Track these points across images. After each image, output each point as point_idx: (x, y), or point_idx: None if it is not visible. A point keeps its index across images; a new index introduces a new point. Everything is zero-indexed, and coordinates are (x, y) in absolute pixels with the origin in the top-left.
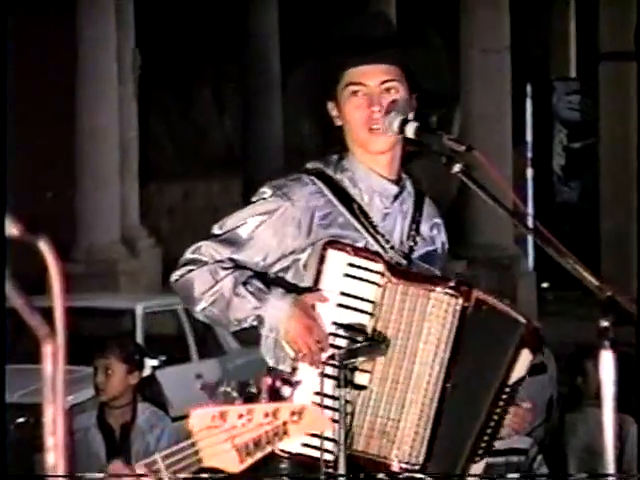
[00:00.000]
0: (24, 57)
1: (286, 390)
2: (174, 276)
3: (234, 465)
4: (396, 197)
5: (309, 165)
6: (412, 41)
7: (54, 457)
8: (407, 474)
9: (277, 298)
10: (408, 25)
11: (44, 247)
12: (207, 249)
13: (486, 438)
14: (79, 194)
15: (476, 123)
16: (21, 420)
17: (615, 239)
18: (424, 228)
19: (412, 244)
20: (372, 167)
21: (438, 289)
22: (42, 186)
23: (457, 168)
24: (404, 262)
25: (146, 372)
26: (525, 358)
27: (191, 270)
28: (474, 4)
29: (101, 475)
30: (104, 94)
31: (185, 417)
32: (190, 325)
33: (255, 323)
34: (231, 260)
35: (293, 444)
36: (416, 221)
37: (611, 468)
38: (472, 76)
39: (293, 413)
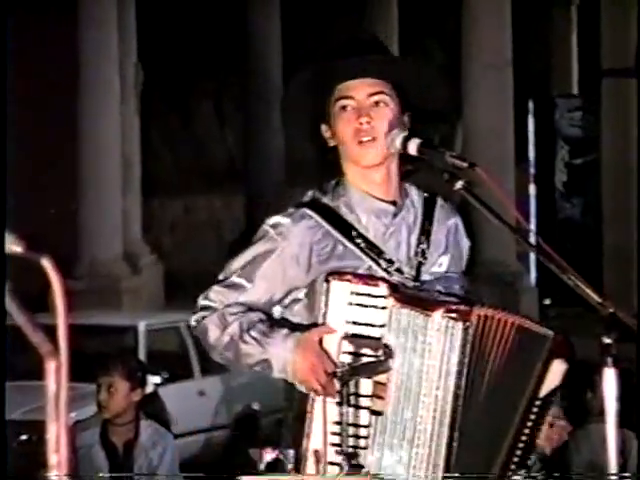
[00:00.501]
0: (25, 76)
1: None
2: (193, 322)
3: None
4: (395, 214)
5: (306, 197)
6: (403, 56)
7: (57, 475)
8: None
9: (281, 340)
10: (410, 41)
11: (47, 265)
12: (216, 295)
13: (519, 453)
14: (82, 209)
15: (478, 139)
16: (24, 437)
17: (617, 255)
18: (438, 236)
19: (421, 259)
20: (367, 190)
21: (435, 314)
22: (45, 201)
23: (459, 185)
24: (410, 283)
25: (149, 389)
26: (557, 368)
27: (204, 317)
28: (476, 19)
29: None
30: (107, 109)
31: (188, 434)
32: (193, 342)
33: (262, 369)
34: (239, 304)
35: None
36: (425, 231)
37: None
38: (474, 92)
39: None
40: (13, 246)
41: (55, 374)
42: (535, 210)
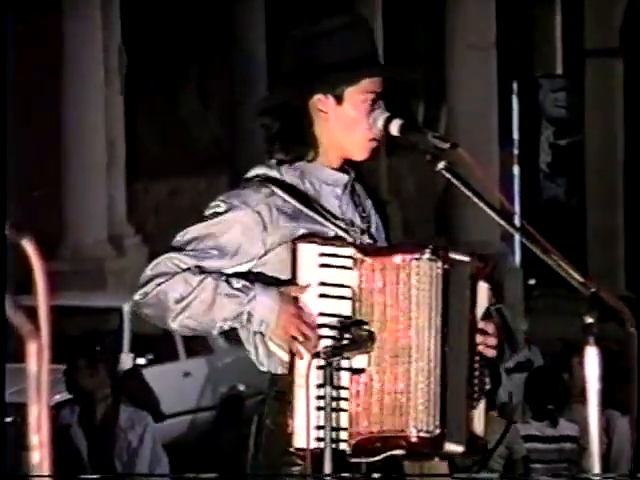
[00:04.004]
0: (7, 55)
1: None
2: (138, 295)
3: None
4: (345, 185)
5: (251, 173)
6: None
7: (39, 455)
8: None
9: (262, 291)
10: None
11: (28, 246)
12: (169, 262)
13: (476, 381)
14: (66, 192)
15: (462, 120)
16: (8, 420)
17: (602, 235)
18: (367, 207)
19: (367, 225)
20: (323, 162)
21: (416, 256)
22: (28, 184)
23: (441, 165)
24: (371, 242)
25: (126, 365)
26: (482, 290)
27: (159, 284)
28: (460, 1)
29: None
30: (90, 92)
31: (173, 415)
32: None
33: (239, 322)
34: (198, 267)
35: (305, 441)
36: (360, 203)
37: (597, 464)
38: (458, 73)
39: None
40: None
41: (36, 355)
42: (519, 191)
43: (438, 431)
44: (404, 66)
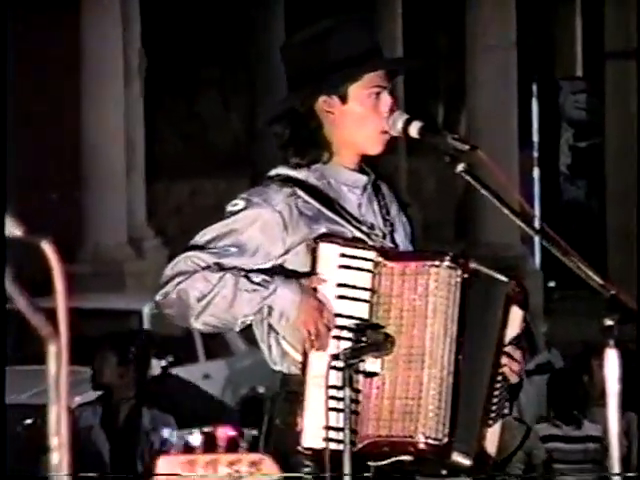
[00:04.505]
0: (29, 56)
1: (243, 442)
2: (159, 295)
3: None
4: (365, 187)
5: (273, 172)
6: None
7: (58, 457)
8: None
9: (282, 284)
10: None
11: (47, 248)
12: (188, 261)
13: (495, 400)
14: (86, 194)
15: (482, 122)
16: (28, 421)
17: (621, 237)
18: (393, 211)
19: (390, 228)
20: (340, 162)
21: (436, 263)
22: (48, 186)
23: (461, 167)
24: (392, 246)
25: (155, 371)
26: (516, 315)
27: (179, 283)
28: (480, 1)
29: None
30: (110, 94)
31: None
32: None
33: (260, 316)
34: (218, 264)
35: (315, 440)
36: (384, 205)
37: (616, 465)
38: (478, 74)
39: (252, 464)
40: (13, 230)
41: (56, 357)
42: (539, 193)
43: (446, 440)
44: (403, 57)
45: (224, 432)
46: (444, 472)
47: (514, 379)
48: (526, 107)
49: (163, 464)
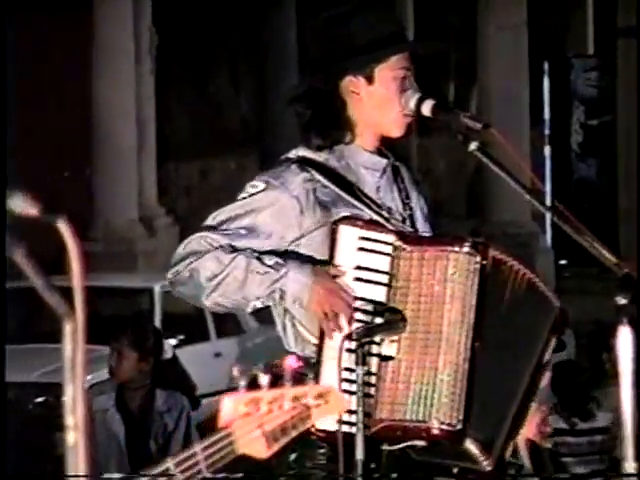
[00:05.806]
0: (40, 36)
1: (309, 372)
2: (171, 274)
3: (262, 452)
4: (384, 169)
5: (291, 154)
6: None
7: (74, 436)
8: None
9: (295, 268)
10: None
11: (63, 227)
12: (202, 240)
13: (524, 417)
14: (96, 173)
15: (493, 101)
16: (40, 399)
17: (633, 215)
18: (412, 195)
19: (410, 212)
20: (360, 143)
21: (456, 249)
22: (59, 165)
23: (473, 146)
24: (411, 230)
25: (167, 355)
26: (553, 342)
27: (191, 262)
28: None
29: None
30: (121, 72)
31: (204, 396)
32: None
33: (273, 300)
34: (230, 246)
35: (329, 422)
36: (404, 188)
37: (630, 446)
38: (489, 53)
39: (319, 396)
40: (28, 208)
41: (71, 336)
42: (551, 171)
43: (460, 426)
44: (430, 40)
45: (289, 364)
46: (455, 470)
47: (546, 444)
48: (537, 85)
49: (227, 404)
